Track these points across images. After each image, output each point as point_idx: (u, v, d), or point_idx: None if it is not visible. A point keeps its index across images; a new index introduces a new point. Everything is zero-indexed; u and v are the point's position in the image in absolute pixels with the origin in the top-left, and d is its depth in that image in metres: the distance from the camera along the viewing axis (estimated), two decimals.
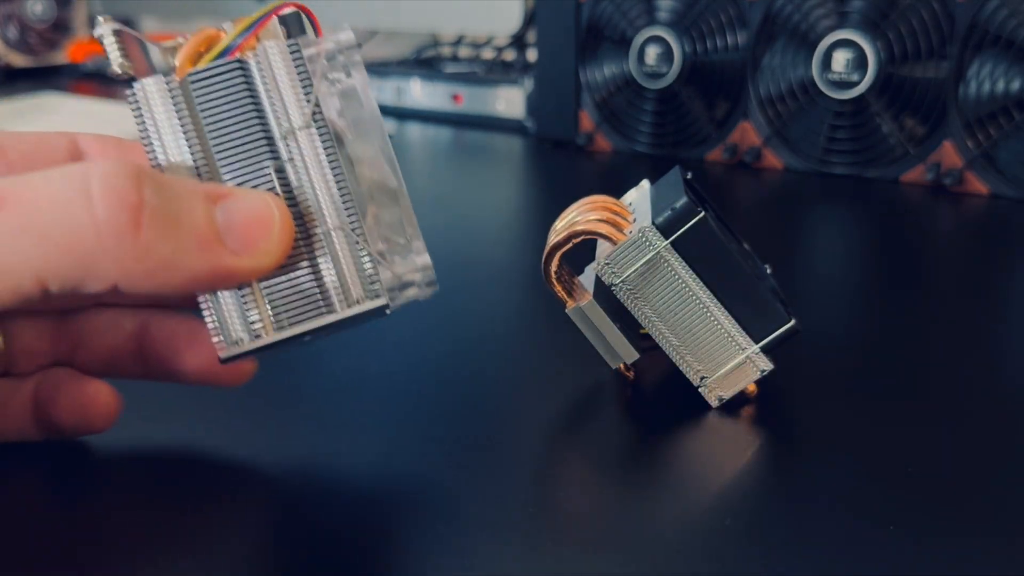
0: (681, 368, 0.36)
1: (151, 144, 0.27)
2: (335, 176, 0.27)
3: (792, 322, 0.35)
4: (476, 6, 0.96)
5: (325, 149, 0.27)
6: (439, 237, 0.55)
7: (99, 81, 1.29)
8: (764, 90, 0.76)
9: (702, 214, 0.34)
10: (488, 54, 1.11)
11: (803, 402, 0.37)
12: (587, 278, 0.38)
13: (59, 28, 1.37)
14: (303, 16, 0.28)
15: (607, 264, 0.35)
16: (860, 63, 0.70)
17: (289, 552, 0.28)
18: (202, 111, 0.27)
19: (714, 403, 0.36)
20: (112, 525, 0.29)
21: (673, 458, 0.33)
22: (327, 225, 0.27)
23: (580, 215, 0.36)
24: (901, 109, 0.70)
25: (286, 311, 0.27)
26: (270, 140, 0.27)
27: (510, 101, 0.93)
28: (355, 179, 0.28)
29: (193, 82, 0.27)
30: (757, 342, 0.35)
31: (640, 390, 0.38)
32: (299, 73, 0.27)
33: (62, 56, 1.37)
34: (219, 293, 0.27)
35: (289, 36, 0.28)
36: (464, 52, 1.14)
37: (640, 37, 0.80)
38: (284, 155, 0.27)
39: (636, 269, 0.35)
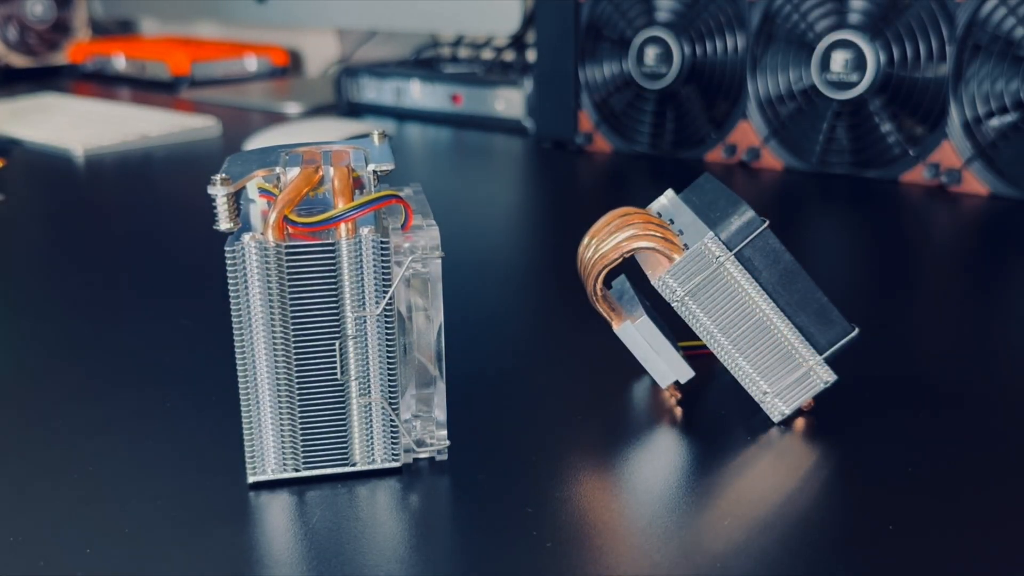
0: (742, 383, 0.35)
1: (236, 295, 0.29)
2: (389, 360, 0.30)
3: (855, 331, 0.34)
4: (475, 7, 0.96)
5: (387, 337, 0.30)
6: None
7: (99, 81, 1.29)
8: (763, 90, 0.76)
9: (766, 224, 0.33)
10: (487, 55, 1.11)
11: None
12: (616, 293, 0.38)
13: (59, 29, 1.37)
14: (403, 210, 0.31)
15: (670, 277, 0.34)
16: (859, 63, 0.70)
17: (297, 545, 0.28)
18: (290, 277, 0.29)
19: (776, 418, 0.35)
20: None
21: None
22: (371, 397, 0.31)
23: (621, 231, 0.35)
24: (900, 109, 0.70)
25: (315, 455, 0.31)
26: (341, 315, 0.30)
27: (509, 101, 0.93)
28: (405, 362, 0.32)
29: (289, 252, 0.29)
30: (820, 353, 0.34)
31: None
32: (384, 265, 0.30)
33: (62, 56, 1.37)
34: (263, 429, 0.30)
35: (383, 223, 0.30)
36: (463, 53, 1.14)
37: (639, 37, 0.80)
38: (350, 331, 0.30)
39: (698, 282, 0.33)
